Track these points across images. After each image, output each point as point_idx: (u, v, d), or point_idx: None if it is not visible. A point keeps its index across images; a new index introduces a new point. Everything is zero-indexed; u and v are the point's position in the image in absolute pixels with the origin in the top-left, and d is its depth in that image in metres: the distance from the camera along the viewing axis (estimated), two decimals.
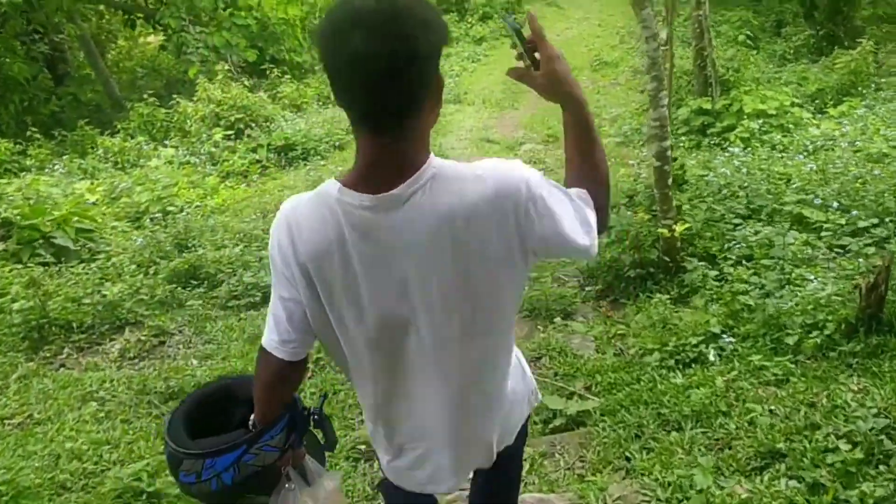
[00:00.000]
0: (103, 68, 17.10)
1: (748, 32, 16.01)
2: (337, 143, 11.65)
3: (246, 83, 12.86)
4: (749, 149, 8.70)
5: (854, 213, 5.56)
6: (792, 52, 14.62)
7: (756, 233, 5.28)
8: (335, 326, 1.60)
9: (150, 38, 20.84)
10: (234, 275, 6.34)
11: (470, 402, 1.71)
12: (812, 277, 4.46)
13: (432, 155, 1.49)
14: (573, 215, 1.58)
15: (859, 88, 10.84)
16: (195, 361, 5.16)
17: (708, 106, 9.63)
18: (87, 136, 12.46)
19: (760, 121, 9.12)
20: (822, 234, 5.38)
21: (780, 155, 8.30)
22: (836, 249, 5.13)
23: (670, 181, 5.13)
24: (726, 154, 7.99)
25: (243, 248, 6.88)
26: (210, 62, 14.04)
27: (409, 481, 1.85)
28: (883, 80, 11.32)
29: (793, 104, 9.50)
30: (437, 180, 1.47)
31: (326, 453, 2.01)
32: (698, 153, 9.31)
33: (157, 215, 8.63)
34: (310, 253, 1.50)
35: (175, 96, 12.67)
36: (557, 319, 4.94)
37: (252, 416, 1.77)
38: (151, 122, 12.71)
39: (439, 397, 1.68)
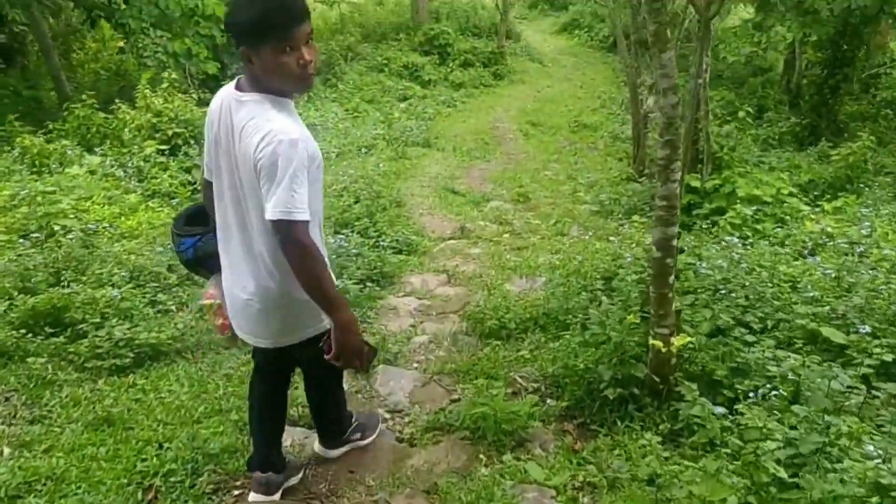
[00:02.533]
0: (56, 65, 15.46)
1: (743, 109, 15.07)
2: None
3: (194, 96, 11.35)
4: (746, 239, 7.46)
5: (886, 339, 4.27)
6: (776, 138, 13.65)
7: (773, 358, 3.93)
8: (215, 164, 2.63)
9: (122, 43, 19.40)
10: (104, 325, 4.81)
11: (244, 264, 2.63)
12: (866, 440, 3.11)
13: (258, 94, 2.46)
14: (282, 194, 2.31)
15: (855, 184, 9.76)
16: (6, 450, 3.62)
17: (697, 184, 8.42)
18: (14, 133, 10.85)
19: (754, 207, 7.91)
20: (855, 364, 4.05)
21: (780, 250, 7.04)
22: (876, 391, 3.80)
23: (672, 279, 3.77)
24: (721, 243, 6.69)
25: (130, 290, 5.36)
26: (169, 69, 12.55)
27: None
28: (877, 178, 10.30)
29: (790, 193, 8.32)
30: (256, 103, 2.43)
31: None
32: (684, 236, 8.04)
33: (56, 230, 7.08)
34: (210, 109, 2.62)
35: (117, 101, 11.13)
36: (507, 454, 3.50)
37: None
38: (87, 127, 11.15)
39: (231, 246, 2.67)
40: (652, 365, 3.85)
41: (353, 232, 7.19)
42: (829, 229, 7.62)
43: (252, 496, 3.05)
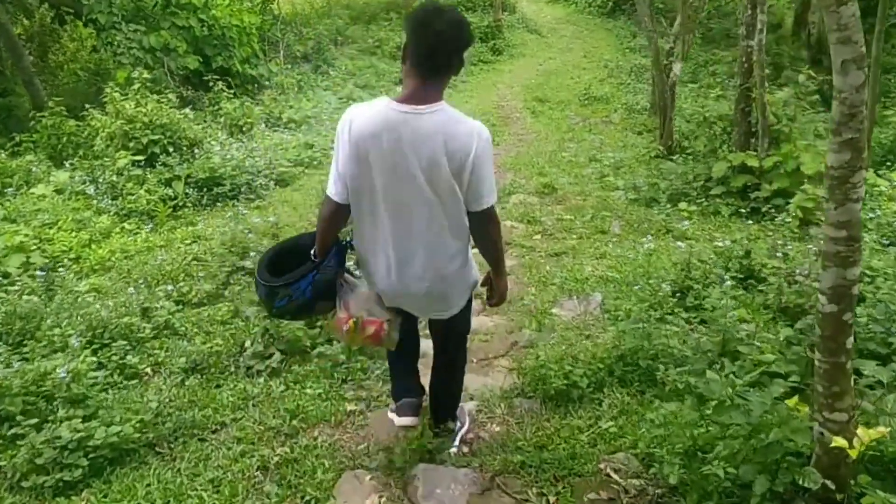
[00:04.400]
0: (28, 69, 13.99)
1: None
2: (279, 178, 8.87)
3: (172, 96, 9.95)
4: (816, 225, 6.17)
5: None
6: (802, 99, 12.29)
7: None
8: (368, 184, 2.63)
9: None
10: (49, 420, 3.53)
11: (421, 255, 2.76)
12: None
13: (443, 101, 2.59)
14: (491, 184, 2.67)
15: None
16: None
17: (754, 162, 7.08)
18: None
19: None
20: None
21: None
22: None
23: (851, 342, 2.48)
24: (812, 241, 5.38)
25: (87, 359, 4.08)
26: (142, 68, 11.13)
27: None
28: None
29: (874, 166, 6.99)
30: (442, 111, 2.56)
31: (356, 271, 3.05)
32: (744, 227, 6.74)
33: (11, 272, 5.81)
34: (362, 132, 2.56)
35: (87, 106, 9.74)
36: None
37: (313, 251, 2.82)
38: (57, 137, 9.80)
39: (415, 240, 2.73)
40: (821, 466, 2.58)
41: None
42: None
43: (401, 420, 3.31)
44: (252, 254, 5.82)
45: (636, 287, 5.11)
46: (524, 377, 3.97)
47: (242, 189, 8.21)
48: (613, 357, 4.01)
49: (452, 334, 3.24)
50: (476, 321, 4.91)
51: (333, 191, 2.67)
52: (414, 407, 3.32)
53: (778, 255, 5.16)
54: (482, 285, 3.09)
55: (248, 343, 4.60)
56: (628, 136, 11.77)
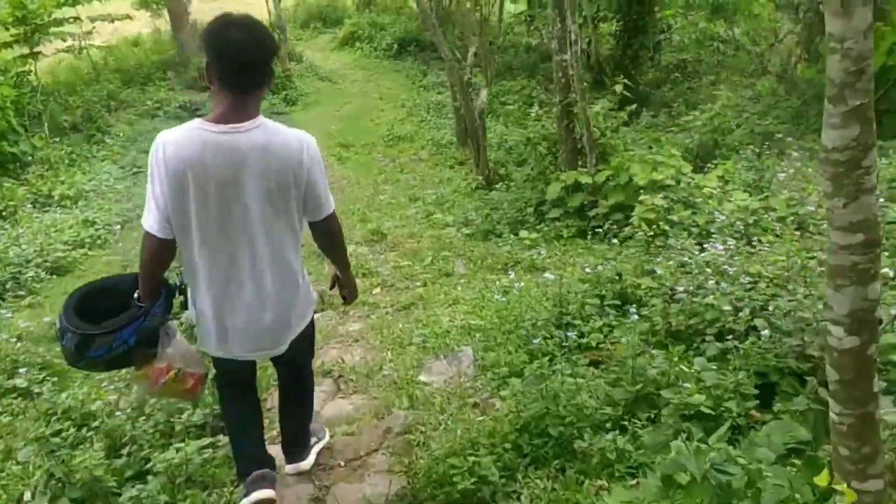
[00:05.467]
0: None
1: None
2: (55, 265, 7.29)
3: None
4: (662, 235, 5.82)
5: None
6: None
7: None
8: (194, 213, 2.36)
9: None
10: None
11: (268, 279, 2.56)
12: None
13: (261, 115, 2.42)
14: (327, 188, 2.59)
15: (722, 150, 8.58)
16: None
17: (587, 180, 6.69)
18: None
19: (660, 195, 6.30)
20: None
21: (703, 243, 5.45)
22: None
23: (876, 385, 1.82)
24: (680, 252, 4.93)
25: None
26: None
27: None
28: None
29: (691, 171, 6.82)
30: (263, 126, 2.39)
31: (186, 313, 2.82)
32: (591, 247, 6.29)
33: None
34: (177, 159, 2.30)
35: None
36: None
37: (136, 293, 2.50)
38: None
39: (255, 267, 2.50)
40: None
41: None
42: (752, 204, 6.19)
43: (256, 494, 2.81)
44: (23, 370, 4.43)
45: (509, 333, 4.36)
46: (415, 479, 3.02)
47: (8, 285, 6.58)
48: (512, 428, 3.19)
49: (303, 355, 3.00)
50: (333, 408, 3.95)
51: (155, 227, 2.39)
52: (270, 479, 2.90)
53: (650, 272, 4.64)
54: (331, 288, 2.98)
55: (27, 495, 3.31)
56: (442, 171, 11.27)
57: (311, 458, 3.25)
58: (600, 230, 6.54)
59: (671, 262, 4.87)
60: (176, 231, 2.41)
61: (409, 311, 5.39)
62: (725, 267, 4.19)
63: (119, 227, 9.48)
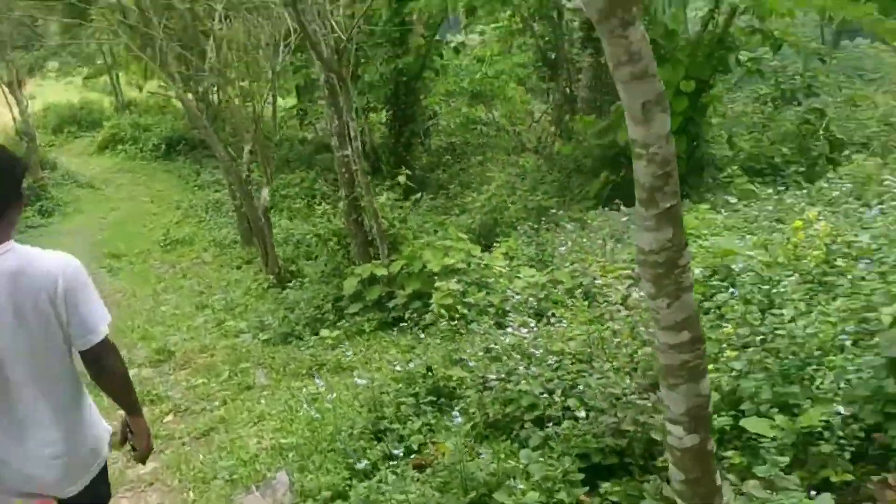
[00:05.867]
0: None
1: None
2: None
3: None
4: (462, 320, 5.86)
5: None
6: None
7: None
8: None
9: None
10: None
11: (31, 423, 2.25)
12: None
13: (12, 240, 2.17)
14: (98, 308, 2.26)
15: (502, 227, 8.98)
16: None
17: (382, 271, 6.61)
18: None
19: (455, 279, 6.36)
20: None
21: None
22: None
23: (720, 492, 1.80)
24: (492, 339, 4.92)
25: None
26: None
27: None
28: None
29: (479, 252, 6.99)
30: (13, 252, 2.14)
31: None
32: (395, 340, 6.17)
33: None
34: None
35: None
36: None
37: None
38: None
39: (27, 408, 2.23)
40: None
41: None
42: (540, 279, 6.45)
43: None
44: None
45: (325, 450, 4.05)
46: None
47: None
48: None
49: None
50: None
51: None
52: None
53: (459, 361, 4.58)
54: (122, 443, 2.54)
55: None
56: (229, 273, 10.71)
57: None
58: (402, 321, 6.45)
59: (477, 349, 4.86)
60: None
61: (209, 438, 4.87)
62: (532, 350, 4.22)
63: None
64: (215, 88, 13.05)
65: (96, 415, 2.46)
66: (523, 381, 3.91)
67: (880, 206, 5.64)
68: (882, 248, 4.38)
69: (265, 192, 9.04)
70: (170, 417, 5.38)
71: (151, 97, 21.96)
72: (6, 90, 16.87)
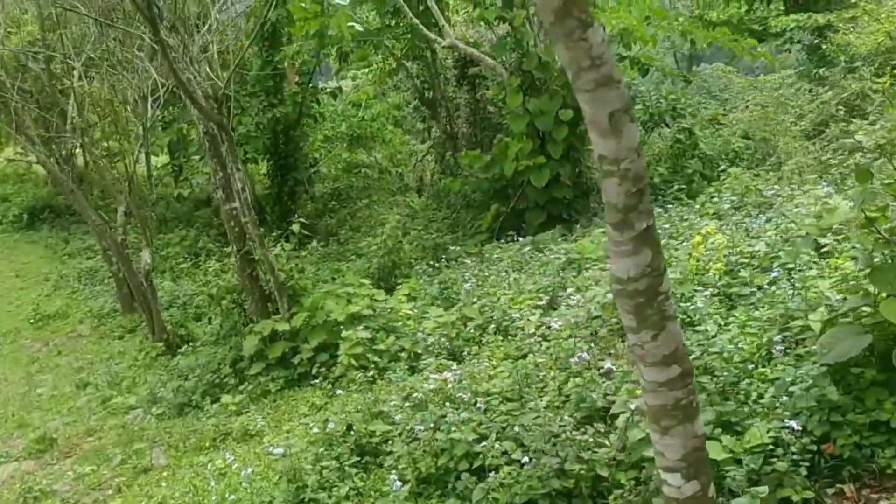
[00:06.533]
0: None
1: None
2: None
3: None
4: (376, 369, 5.53)
5: None
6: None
7: None
8: None
9: None
10: None
11: None
12: None
13: None
14: None
15: (403, 270, 8.71)
16: None
17: (284, 327, 6.17)
18: None
19: (361, 326, 6.02)
20: None
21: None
22: None
23: None
24: (399, 387, 4.62)
25: None
26: None
27: None
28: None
29: (384, 296, 6.68)
30: None
31: None
32: (305, 397, 5.74)
33: None
34: None
35: None
36: None
37: None
38: None
39: None
40: None
41: None
42: (449, 318, 6.21)
43: None
44: None
45: None
46: None
47: None
48: None
49: None
50: None
51: None
52: None
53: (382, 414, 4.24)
54: None
55: None
56: (110, 345, 9.83)
57: None
58: (310, 377, 6.04)
59: (397, 399, 4.54)
60: None
61: None
62: (458, 393, 3.96)
63: None
64: (79, 149, 12.15)
65: None
66: (454, 429, 3.64)
67: (765, 216, 5.81)
68: (780, 254, 4.44)
69: (146, 254, 8.37)
70: None
71: (9, 165, 20.35)
72: None
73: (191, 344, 7.65)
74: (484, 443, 3.44)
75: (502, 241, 8.92)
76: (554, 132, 9.09)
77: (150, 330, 8.74)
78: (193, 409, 6.19)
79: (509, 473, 3.19)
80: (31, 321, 11.90)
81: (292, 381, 6.08)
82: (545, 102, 9.14)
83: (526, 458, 3.20)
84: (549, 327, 4.69)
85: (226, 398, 5.94)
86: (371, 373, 5.67)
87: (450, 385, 4.13)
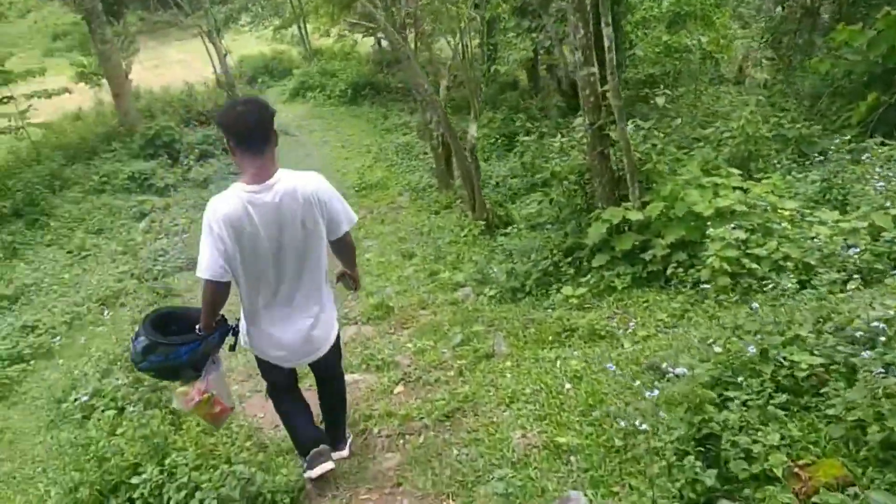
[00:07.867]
0: None
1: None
2: None
3: None
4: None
5: None
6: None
7: None
8: (241, 257, 2.82)
9: None
10: None
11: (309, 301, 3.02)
12: None
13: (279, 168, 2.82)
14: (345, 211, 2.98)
15: (757, 160, 7.24)
16: None
17: (636, 216, 5.23)
18: None
19: (732, 224, 4.86)
20: None
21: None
22: None
23: None
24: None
25: None
26: None
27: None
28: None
29: (770, 192, 5.41)
30: (283, 176, 2.82)
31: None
32: (658, 300, 4.82)
33: None
34: (228, 218, 2.75)
35: None
36: None
37: (199, 325, 2.94)
38: None
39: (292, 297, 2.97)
40: None
41: None
42: (853, 224, 4.81)
43: (319, 468, 3.28)
44: None
45: (623, 459, 2.83)
46: None
47: None
48: None
49: (335, 358, 3.39)
50: None
51: (213, 273, 2.79)
52: (326, 453, 3.33)
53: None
54: (337, 281, 3.35)
55: None
56: (428, 218, 9.76)
57: (349, 443, 3.70)
58: (662, 277, 5.10)
59: (809, 322, 3.40)
60: (240, 273, 2.88)
61: (454, 422, 3.82)
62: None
63: (67, 324, 7.77)
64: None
65: (333, 297, 3.20)
66: None
67: None
68: None
69: (473, 129, 7.88)
70: (400, 388, 4.41)
71: (337, 43, 21.58)
72: (206, 40, 16.91)
73: (516, 226, 7.09)
74: None
75: (876, 137, 7.05)
76: None
77: (471, 207, 8.38)
78: (527, 295, 5.61)
79: None
80: (356, 189, 12.44)
81: (640, 280, 5.18)
82: None
83: None
84: None
85: (566, 289, 5.23)
86: (746, 282, 4.58)
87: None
